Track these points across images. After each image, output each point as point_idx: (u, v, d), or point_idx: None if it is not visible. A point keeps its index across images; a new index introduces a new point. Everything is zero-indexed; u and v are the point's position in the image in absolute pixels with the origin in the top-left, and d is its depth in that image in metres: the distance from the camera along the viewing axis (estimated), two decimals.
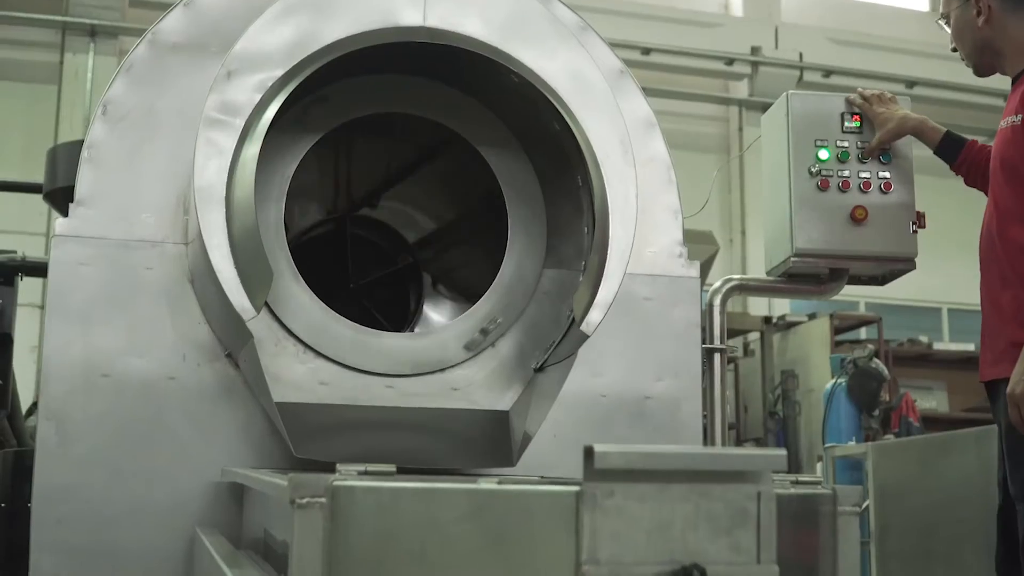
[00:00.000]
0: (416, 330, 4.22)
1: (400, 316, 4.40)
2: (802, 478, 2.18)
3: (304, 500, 1.89)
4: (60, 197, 4.31)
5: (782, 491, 1.82)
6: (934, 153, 4.40)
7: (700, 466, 1.69)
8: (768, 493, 1.72)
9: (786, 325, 13.34)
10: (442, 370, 3.64)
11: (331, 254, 4.44)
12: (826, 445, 8.74)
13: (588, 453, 1.64)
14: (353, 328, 3.57)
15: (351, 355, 3.54)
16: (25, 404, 8.35)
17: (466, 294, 4.30)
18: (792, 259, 4.37)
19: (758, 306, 15.25)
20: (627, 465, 1.65)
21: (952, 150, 4.34)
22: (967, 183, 4.36)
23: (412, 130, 4.03)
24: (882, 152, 4.40)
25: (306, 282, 3.54)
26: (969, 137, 4.40)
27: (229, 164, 3.17)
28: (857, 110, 4.45)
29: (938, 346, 14.49)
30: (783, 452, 1.74)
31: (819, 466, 8.89)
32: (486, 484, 1.79)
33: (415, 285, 4.46)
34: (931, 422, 11.39)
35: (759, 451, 1.73)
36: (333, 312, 3.55)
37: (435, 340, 3.68)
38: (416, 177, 4.38)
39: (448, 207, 4.43)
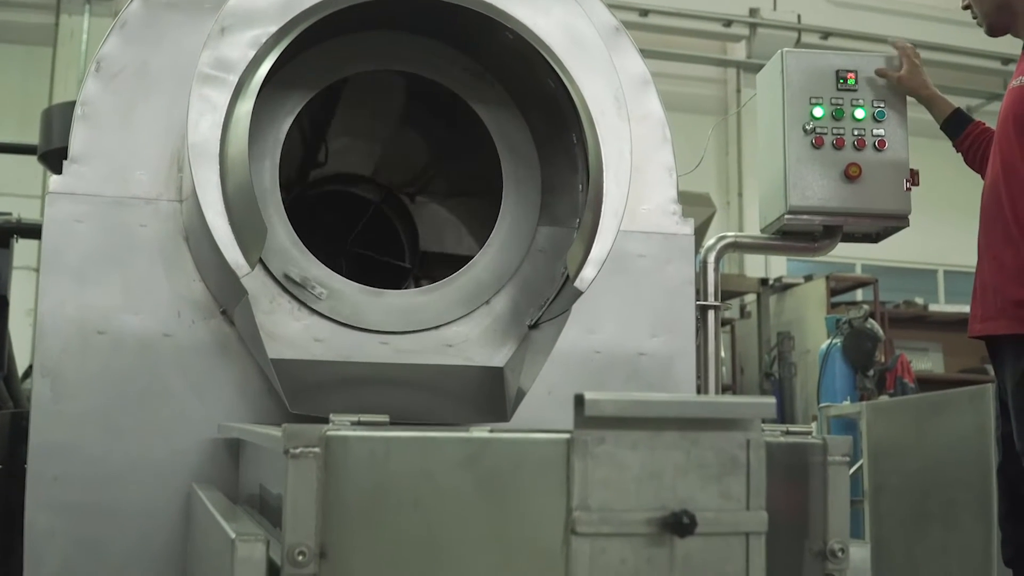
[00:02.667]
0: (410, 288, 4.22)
1: (394, 275, 4.41)
2: (793, 428, 2.20)
3: (298, 450, 1.90)
4: (55, 158, 4.31)
5: (772, 439, 1.83)
6: (940, 127, 4.42)
7: (690, 414, 1.70)
8: (757, 441, 1.73)
9: (782, 287, 13.36)
10: (437, 327, 3.65)
11: (336, 207, 4.46)
12: (821, 405, 8.76)
13: (579, 401, 1.65)
14: (348, 285, 3.57)
15: (346, 312, 3.55)
16: (21, 367, 8.36)
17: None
18: (786, 216, 4.38)
19: (755, 268, 15.28)
20: (618, 413, 1.66)
21: (958, 126, 4.35)
22: (967, 161, 4.38)
23: (408, 88, 4.03)
24: (877, 109, 4.42)
25: (301, 238, 3.54)
26: (972, 114, 4.43)
27: (223, 120, 3.17)
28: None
29: (934, 308, 14.51)
30: (772, 400, 1.75)
31: (814, 426, 8.92)
32: (478, 433, 1.80)
33: (403, 219, 4.47)
34: (926, 383, 11.40)
35: (748, 399, 1.75)
36: (328, 269, 3.55)
37: (430, 297, 3.69)
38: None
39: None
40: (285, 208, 3.56)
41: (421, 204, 4.56)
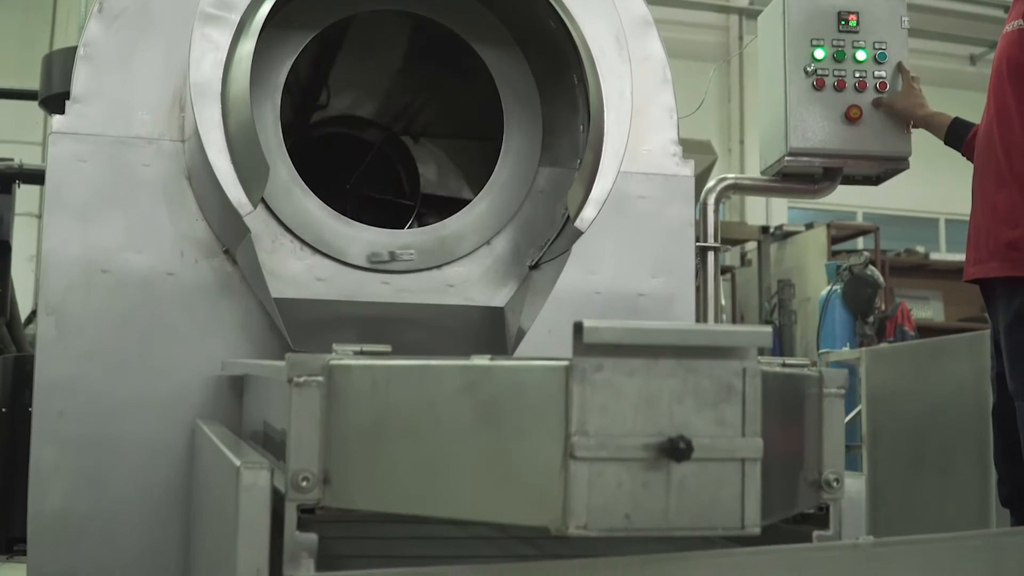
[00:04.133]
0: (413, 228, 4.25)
1: (395, 217, 4.44)
2: (789, 360, 2.23)
3: (302, 379, 1.93)
4: (56, 103, 4.32)
5: (768, 369, 1.85)
6: (944, 143, 4.39)
7: (687, 341, 1.72)
8: (753, 369, 1.75)
9: (783, 235, 13.38)
10: (438, 267, 3.67)
11: (338, 149, 4.47)
12: (820, 351, 8.79)
13: (578, 328, 1.67)
14: (350, 225, 3.59)
15: (348, 252, 3.57)
16: (24, 313, 8.38)
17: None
18: (786, 158, 4.39)
19: (755, 216, 15.29)
20: (616, 340, 1.68)
21: (960, 134, 4.32)
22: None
23: (408, 28, 4.03)
24: (879, 51, 4.42)
25: (307, 173, 3.55)
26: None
27: (224, 60, 3.18)
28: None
29: (935, 256, 14.55)
30: (768, 329, 1.77)
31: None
32: (479, 360, 1.83)
33: (405, 160, 4.49)
34: (926, 331, 11.45)
35: (746, 328, 1.77)
36: (330, 209, 3.57)
37: (431, 237, 3.71)
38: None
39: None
40: (287, 148, 3.57)
41: (423, 146, 4.57)
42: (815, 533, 2.18)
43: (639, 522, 1.70)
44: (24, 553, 3.51)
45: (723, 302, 4.88)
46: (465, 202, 3.85)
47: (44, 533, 3.33)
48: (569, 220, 3.42)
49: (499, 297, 3.70)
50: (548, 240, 3.60)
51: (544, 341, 3.59)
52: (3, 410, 6.87)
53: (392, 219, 4.47)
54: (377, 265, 3.57)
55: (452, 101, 4.44)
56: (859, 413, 6.51)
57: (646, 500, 1.71)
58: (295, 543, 1.90)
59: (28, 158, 7.86)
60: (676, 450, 1.70)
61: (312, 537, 1.90)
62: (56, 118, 3.48)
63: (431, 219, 4.43)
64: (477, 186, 4.04)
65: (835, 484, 2.16)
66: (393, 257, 3.57)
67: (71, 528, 3.34)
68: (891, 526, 5.79)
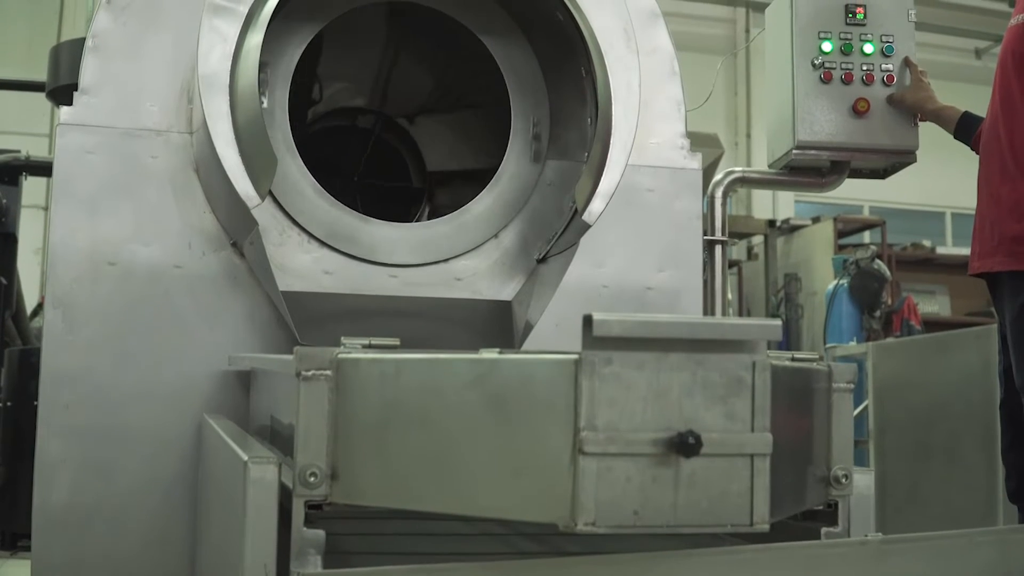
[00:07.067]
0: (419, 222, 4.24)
1: (402, 209, 4.43)
2: (798, 355, 2.21)
3: (310, 372, 1.92)
4: (63, 94, 4.33)
5: (777, 363, 1.84)
6: (954, 137, 4.39)
7: (697, 335, 1.71)
8: (763, 363, 1.74)
9: (790, 228, 13.37)
10: (446, 260, 3.67)
11: (338, 143, 4.46)
12: (827, 345, 8.79)
13: (587, 321, 1.66)
14: (357, 218, 3.59)
15: (355, 245, 3.57)
16: (30, 305, 8.38)
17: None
18: (794, 151, 4.39)
19: (762, 209, 15.27)
20: (625, 333, 1.67)
21: (969, 128, 4.32)
22: None
23: (417, 20, 4.02)
24: (886, 44, 4.42)
25: (311, 169, 3.55)
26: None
27: (233, 52, 3.18)
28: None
29: (941, 250, 14.53)
30: (778, 322, 1.76)
31: None
32: (488, 354, 1.82)
33: (407, 144, 4.49)
34: (933, 325, 11.44)
35: (755, 321, 1.75)
36: (337, 202, 3.56)
37: (438, 231, 3.70)
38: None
39: (476, 153, 4.41)
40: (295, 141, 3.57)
41: (422, 126, 4.55)
42: (824, 530, 2.17)
43: (647, 518, 1.69)
44: (28, 549, 3.51)
45: (729, 296, 4.88)
46: (473, 172, 3.82)
47: (49, 525, 3.33)
48: (577, 213, 3.42)
49: (507, 290, 3.69)
50: (556, 233, 3.60)
51: (552, 334, 3.59)
52: (8, 404, 6.89)
53: (405, 206, 4.46)
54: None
55: (444, 76, 4.42)
56: (866, 408, 6.51)
57: (655, 496, 1.70)
58: (302, 539, 1.89)
59: (35, 150, 7.86)
60: (685, 445, 1.69)
61: (319, 533, 1.89)
62: (64, 109, 3.47)
63: (443, 197, 4.42)
64: (482, 154, 4.01)
65: (844, 480, 2.15)
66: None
67: (77, 520, 3.33)
68: (898, 518, 5.80)
